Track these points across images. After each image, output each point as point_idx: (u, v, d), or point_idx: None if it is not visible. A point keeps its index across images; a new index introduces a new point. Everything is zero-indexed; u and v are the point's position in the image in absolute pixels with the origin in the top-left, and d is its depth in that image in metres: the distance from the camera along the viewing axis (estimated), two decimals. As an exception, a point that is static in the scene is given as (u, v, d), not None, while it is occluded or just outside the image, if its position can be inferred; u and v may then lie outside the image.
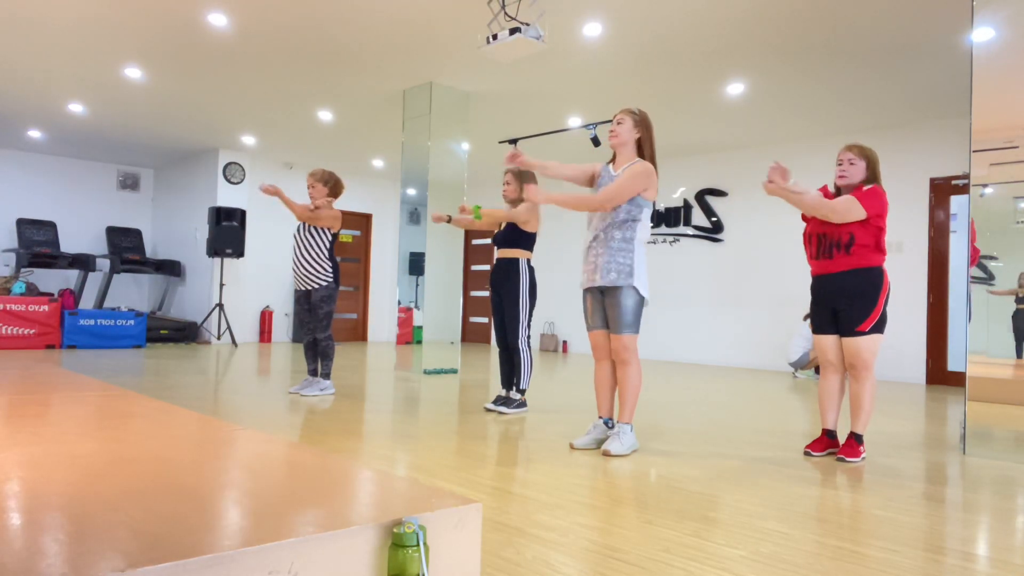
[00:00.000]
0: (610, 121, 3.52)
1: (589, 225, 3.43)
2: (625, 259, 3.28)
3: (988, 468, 3.19)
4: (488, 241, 11.71)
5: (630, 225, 3.30)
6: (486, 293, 11.67)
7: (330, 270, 4.82)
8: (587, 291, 3.45)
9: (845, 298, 3.24)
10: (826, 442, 3.37)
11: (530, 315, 4.42)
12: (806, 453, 3.36)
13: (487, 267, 11.68)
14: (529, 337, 4.44)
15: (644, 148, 3.40)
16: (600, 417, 3.44)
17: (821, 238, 3.31)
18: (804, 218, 3.44)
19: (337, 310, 11.22)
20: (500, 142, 8.58)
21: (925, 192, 7.19)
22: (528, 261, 4.41)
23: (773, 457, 3.28)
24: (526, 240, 4.38)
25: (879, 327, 3.23)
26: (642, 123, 3.39)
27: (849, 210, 3.17)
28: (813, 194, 3.19)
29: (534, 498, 2.45)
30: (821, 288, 3.33)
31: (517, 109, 7.26)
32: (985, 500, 2.62)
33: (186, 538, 1.19)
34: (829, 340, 3.35)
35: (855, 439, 3.27)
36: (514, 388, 4.44)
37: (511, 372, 4.49)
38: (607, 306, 3.33)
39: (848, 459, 3.21)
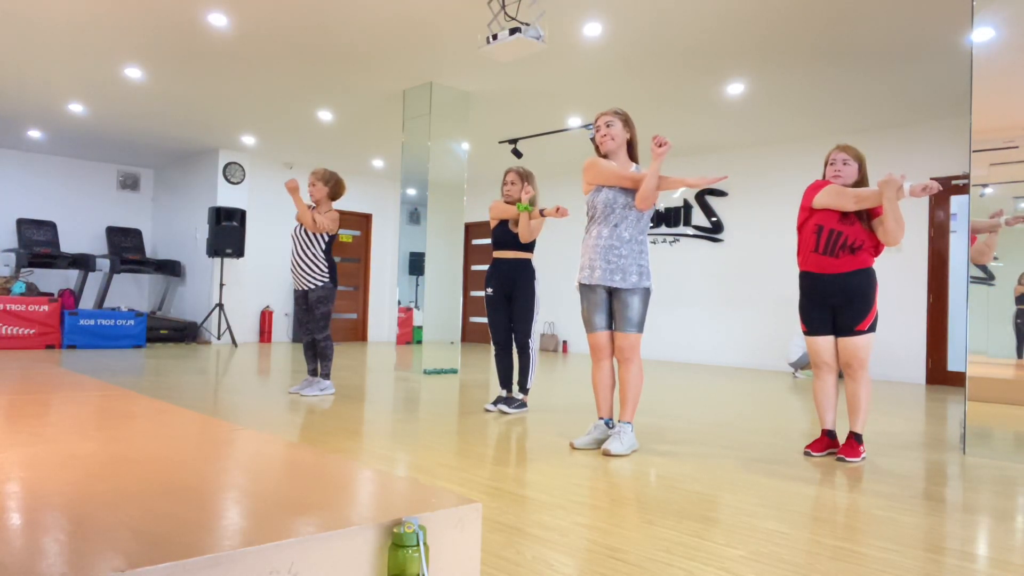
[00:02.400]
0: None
1: (606, 223, 3.33)
2: (644, 261, 3.34)
3: (988, 468, 3.19)
4: (487, 241, 11.71)
5: (645, 227, 3.38)
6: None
7: (327, 270, 4.81)
8: (592, 289, 3.37)
9: (845, 298, 3.22)
10: (826, 442, 3.36)
11: (538, 314, 4.49)
12: (806, 453, 3.36)
13: (487, 267, 11.67)
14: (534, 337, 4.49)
15: (634, 148, 3.43)
16: (600, 418, 3.44)
17: (834, 235, 3.21)
18: (808, 209, 3.31)
19: (337, 310, 11.22)
20: (500, 142, 8.58)
21: (925, 192, 7.18)
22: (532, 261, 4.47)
23: (773, 457, 3.28)
24: (532, 243, 4.44)
25: (874, 326, 3.25)
26: (629, 123, 3.41)
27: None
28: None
29: (534, 498, 2.45)
30: (818, 287, 3.28)
31: (517, 109, 7.26)
32: (985, 500, 2.62)
33: (186, 538, 1.19)
34: (826, 341, 3.31)
35: (855, 439, 3.26)
36: (518, 388, 4.45)
37: (511, 372, 4.51)
38: (620, 305, 3.31)
39: (848, 459, 3.20)
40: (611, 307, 3.37)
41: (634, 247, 3.30)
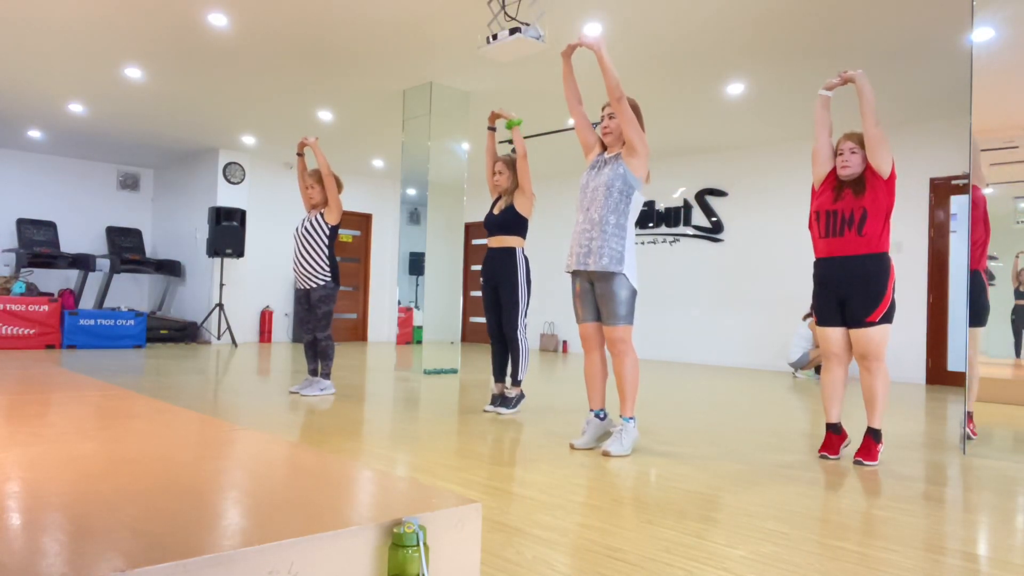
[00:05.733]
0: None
1: (580, 207, 3.36)
2: (618, 246, 3.22)
3: (988, 468, 3.19)
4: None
5: (623, 211, 3.25)
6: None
7: (329, 269, 4.80)
8: (576, 277, 3.39)
9: (854, 286, 3.12)
10: (832, 438, 3.28)
11: (527, 304, 4.40)
12: (822, 456, 3.27)
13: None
14: (526, 327, 4.41)
15: None
16: (591, 410, 3.43)
17: (831, 215, 3.18)
18: (813, 194, 3.30)
19: (337, 310, 11.22)
20: (500, 142, 8.58)
21: (925, 192, 7.19)
22: (523, 249, 4.41)
23: (773, 457, 3.28)
24: (522, 226, 4.34)
25: (889, 317, 3.11)
26: (635, 113, 3.35)
27: (884, 140, 3.08)
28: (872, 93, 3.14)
29: (534, 498, 2.45)
30: (827, 273, 3.20)
31: (517, 109, 7.26)
32: (985, 500, 2.62)
33: (186, 538, 1.19)
34: (835, 332, 3.22)
35: (872, 437, 3.18)
36: (510, 380, 4.41)
37: (504, 363, 4.46)
38: (599, 297, 3.29)
39: (866, 462, 3.13)
40: (596, 299, 3.36)
41: (605, 228, 3.23)
